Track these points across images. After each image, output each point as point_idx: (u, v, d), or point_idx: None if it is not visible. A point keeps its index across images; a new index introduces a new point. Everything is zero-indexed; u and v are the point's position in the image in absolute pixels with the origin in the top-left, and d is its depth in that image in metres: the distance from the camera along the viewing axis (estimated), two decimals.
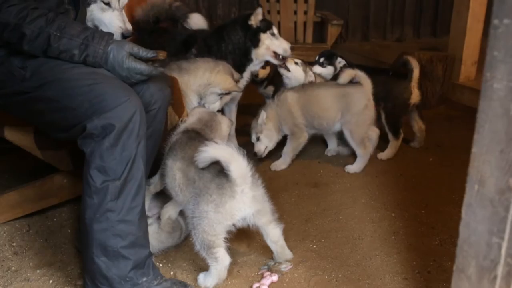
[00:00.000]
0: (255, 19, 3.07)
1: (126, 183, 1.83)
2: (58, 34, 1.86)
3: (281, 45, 3.14)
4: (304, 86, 3.21)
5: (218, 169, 1.94)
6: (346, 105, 3.06)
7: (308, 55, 4.79)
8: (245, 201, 1.96)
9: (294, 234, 2.41)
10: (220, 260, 1.98)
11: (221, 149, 1.89)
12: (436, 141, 3.56)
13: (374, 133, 3.19)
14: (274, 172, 3.13)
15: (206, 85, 2.63)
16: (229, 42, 3.06)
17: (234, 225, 2.01)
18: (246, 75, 3.18)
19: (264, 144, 3.13)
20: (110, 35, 1.94)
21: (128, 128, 1.80)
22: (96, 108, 1.80)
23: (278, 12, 5.30)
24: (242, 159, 1.90)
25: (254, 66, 3.19)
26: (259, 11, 3.07)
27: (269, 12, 5.25)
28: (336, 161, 3.26)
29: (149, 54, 1.94)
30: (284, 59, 3.18)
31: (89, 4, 2.27)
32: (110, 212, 1.82)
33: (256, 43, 3.08)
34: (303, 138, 3.17)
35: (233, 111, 3.40)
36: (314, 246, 2.33)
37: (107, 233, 1.83)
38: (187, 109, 2.54)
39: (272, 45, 3.12)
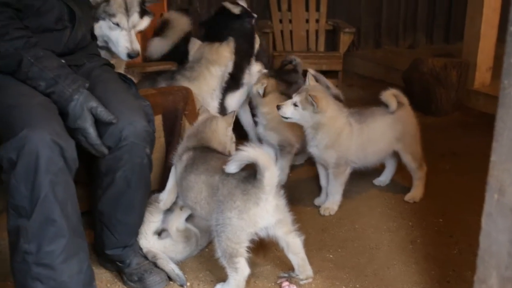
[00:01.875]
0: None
1: (38, 225, 1.69)
2: (32, 60, 1.83)
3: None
4: (357, 117, 2.72)
5: (243, 176, 1.95)
6: (401, 130, 2.79)
7: (320, 63, 4.79)
8: (268, 209, 1.96)
9: (311, 244, 2.39)
10: (240, 270, 1.97)
11: (261, 152, 1.90)
12: (452, 148, 3.53)
13: None
14: (289, 181, 3.11)
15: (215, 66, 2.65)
16: None
17: (256, 234, 2.00)
18: None
19: (291, 113, 2.61)
20: (84, 83, 1.88)
21: (32, 162, 1.65)
22: (3, 134, 1.72)
23: (290, 21, 5.30)
24: (276, 168, 1.91)
25: None
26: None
27: (281, 21, 5.26)
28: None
29: (109, 118, 1.86)
30: None
31: (97, 20, 2.27)
32: (26, 254, 1.71)
33: None
34: (348, 169, 2.76)
35: (248, 113, 3.37)
36: (331, 256, 2.32)
37: (26, 276, 1.72)
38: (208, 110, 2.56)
39: None
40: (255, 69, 3.13)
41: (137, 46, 2.32)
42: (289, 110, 2.59)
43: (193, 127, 2.24)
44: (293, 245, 2.07)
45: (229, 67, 2.77)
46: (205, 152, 2.12)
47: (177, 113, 2.33)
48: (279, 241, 2.07)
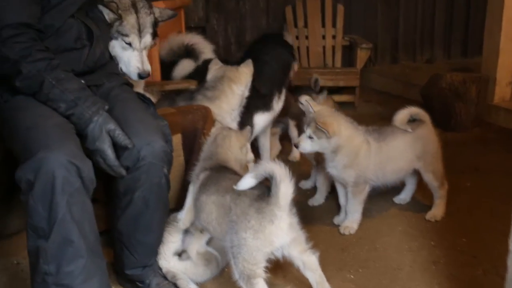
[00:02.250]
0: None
1: (57, 246, 1.70)
2: (53, 82, 1.85)
3: None
4: (376, 135, 2.67)
5: (256, 194, 1.93)
6: (422, 148, 2.73)
7: (337, 79, 4.79)
8: (283, 227, 1.93)
9: (331, 264, 2.37)
10: None
11: (277, 166, 1.88)
12: (472, 164, 3.48)
13: None
14: (307, 200, 3.08)
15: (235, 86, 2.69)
16: None
17: (273, 253, 1.98)
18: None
19: (311, 146, 2.57)
20: (103, 105, 1.90)
21: (49, 183, 1.67)
22: (21, 155, 1.75)
23: (307, 37, 5.32)
24: (290, 182, 1.89)
25: None
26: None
27: (297, 37, 5.28)
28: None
29: (126, 142, 1.88)
30: None
31: (110, 39, 2.30)
32: (46, 275, 1.72)
33: None
34: (367, 188, 2.71)
35: (267, 137, 3.38)
36: (352, 276, 2.29)
37: None
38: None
39: None
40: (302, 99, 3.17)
41: (148, 67, 2.34)
42: (307, 144, 2.56)
43: (208, 146, 2.23)
44: (309, 263, 2.04)
45: (248, 87, 2.78)
46: (219, 172, 2.11)
47: (196, 132, 2.34)
48: (295, 261, 2.04)
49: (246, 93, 2.80)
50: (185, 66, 3.47)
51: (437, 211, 2.80)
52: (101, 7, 2.20)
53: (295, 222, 2.00)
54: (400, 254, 2.45)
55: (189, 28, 5.00)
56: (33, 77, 1.85)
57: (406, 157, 2.72)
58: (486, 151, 3.72)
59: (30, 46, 1.86)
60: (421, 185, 2.93)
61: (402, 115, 2.70)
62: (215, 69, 2.75)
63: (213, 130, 2.31)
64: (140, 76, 2.34)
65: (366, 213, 2.84)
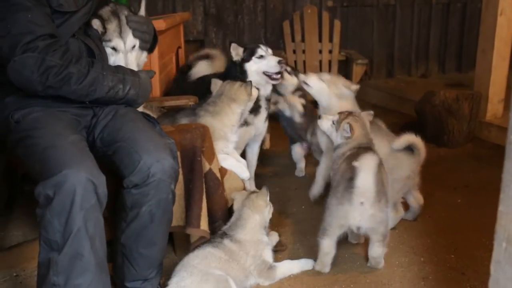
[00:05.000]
0: (235, 53, 3.07)
1: (68, 259, 1.76)
2: (104, 73, 2.01)
3: (268, 64, 3.03)
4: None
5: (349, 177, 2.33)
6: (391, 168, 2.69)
7: None
8: (358, 210, 2.32)
9: (323, 278, 2.43)
10: (323, 248, 2.43)
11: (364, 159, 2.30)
12: (464, 181, 3.55)
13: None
14: (300, 214, 3.15)
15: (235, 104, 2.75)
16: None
17: (349, 228, 2.40)
18: (263, 104, 3.14)
19: (327, 129, 2.72)
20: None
21: (68, 199, 1.73)
22: (41, 173, 1.79)
23: (304, 51, 5.41)
24: (371, 176, 2.26)
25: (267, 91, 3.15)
26: (233, 45, 3.07)
27: (294, 51, 5.37)
28: None
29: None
30: (281, 75, 3.12)
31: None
32: (54, 286, 1.77)
33: (244, 74, 3.04)
34: None
35: (255, 152, 3.39)
36: None
37: None
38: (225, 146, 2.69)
39: (259, 68, 3.04)
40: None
41: (134, 68, 2.34)
42: (327, 125, 2.70)
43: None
44: (375, 253, 2.48)
45: (249, 106, 2.83)
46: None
47: (195, 149, 2.38)
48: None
49: (247, 112, 2.85)
50: (203, 67, 3.68)
51: None
52: (95, 26, 2.26)
53: (381, 216, 2.35)
54: (391, 269, 2.51)
55: (188, 42, 5.10)
56: (87, 75, 1.97)
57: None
58: (478, 168, 3.80)
59: (66, 51, 1.97)
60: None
61: (404, 140, 2.76)
62: (217, 89, 2.80)
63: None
64: None
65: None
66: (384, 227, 2.40)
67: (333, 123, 2.67)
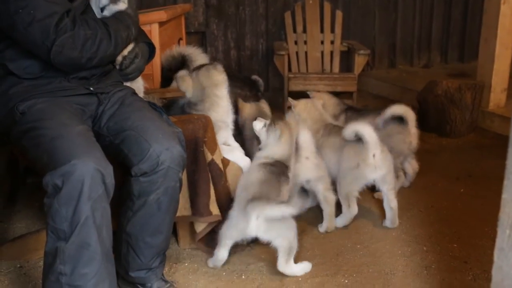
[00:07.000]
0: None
1: (75, 248, 1.77)
2: (117, 25, 2.14)
3: None
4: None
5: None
6: (341, 157, 2.80)
7: (335, 84, 4.85)
8: (376, 164, 2.65)
9: (326, 269, 2.43)
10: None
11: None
12: (467, 170, 3.54)
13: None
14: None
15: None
16: None
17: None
18: None
19: None
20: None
21: (76, 189, 1.74)
22: (49, 163, 1.79)
23: (305, 43, 5.38)
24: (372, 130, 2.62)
25: None
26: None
27: (296, 42, 5.35)
28: (366, 195, 3.26)
29: None
30: None
31: None
32: (60, 275, 1.78)
33: None
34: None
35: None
36: (346, 281, 2.35)
37: None
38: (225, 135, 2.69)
39: None
40: None
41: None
42: (258, 125, 2.63)
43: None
44: (389, 199, 2.78)
45: (227, 86, 2.79)
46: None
47: (197, 140, 2.38)
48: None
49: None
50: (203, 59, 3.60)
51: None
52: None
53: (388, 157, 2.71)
54: (394, 259, 2.51)
55: (189, 34, 5.08)
56: (109, 34, 2.08)
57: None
58: (481, 157, 3.79)
59: (86, 19, 2.05)
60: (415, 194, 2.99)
61: (351, 129, 2.72)
62: (188, 84, 2.70)
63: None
64: None
65: (361, 219, 2.91)
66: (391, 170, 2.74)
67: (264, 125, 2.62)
